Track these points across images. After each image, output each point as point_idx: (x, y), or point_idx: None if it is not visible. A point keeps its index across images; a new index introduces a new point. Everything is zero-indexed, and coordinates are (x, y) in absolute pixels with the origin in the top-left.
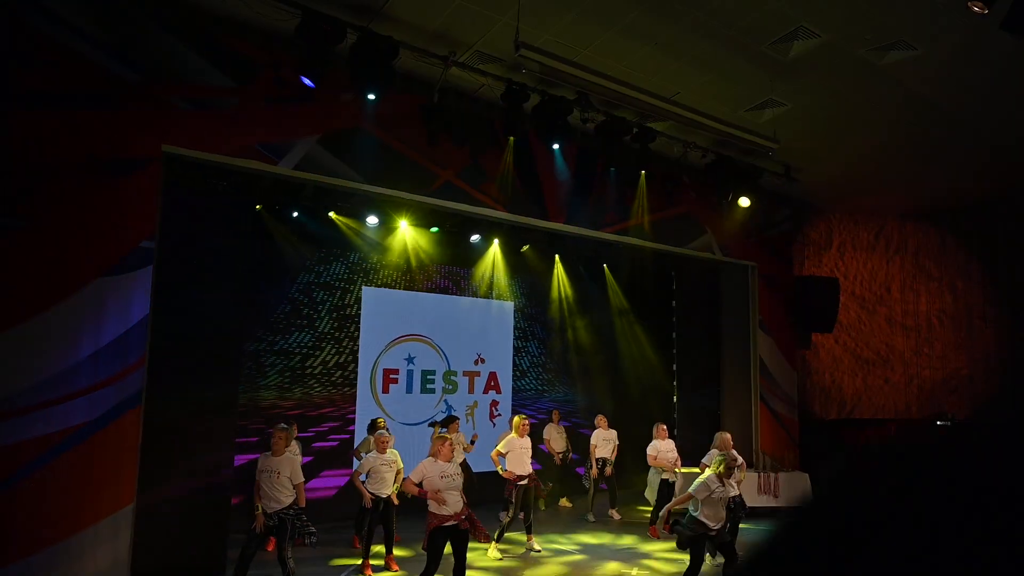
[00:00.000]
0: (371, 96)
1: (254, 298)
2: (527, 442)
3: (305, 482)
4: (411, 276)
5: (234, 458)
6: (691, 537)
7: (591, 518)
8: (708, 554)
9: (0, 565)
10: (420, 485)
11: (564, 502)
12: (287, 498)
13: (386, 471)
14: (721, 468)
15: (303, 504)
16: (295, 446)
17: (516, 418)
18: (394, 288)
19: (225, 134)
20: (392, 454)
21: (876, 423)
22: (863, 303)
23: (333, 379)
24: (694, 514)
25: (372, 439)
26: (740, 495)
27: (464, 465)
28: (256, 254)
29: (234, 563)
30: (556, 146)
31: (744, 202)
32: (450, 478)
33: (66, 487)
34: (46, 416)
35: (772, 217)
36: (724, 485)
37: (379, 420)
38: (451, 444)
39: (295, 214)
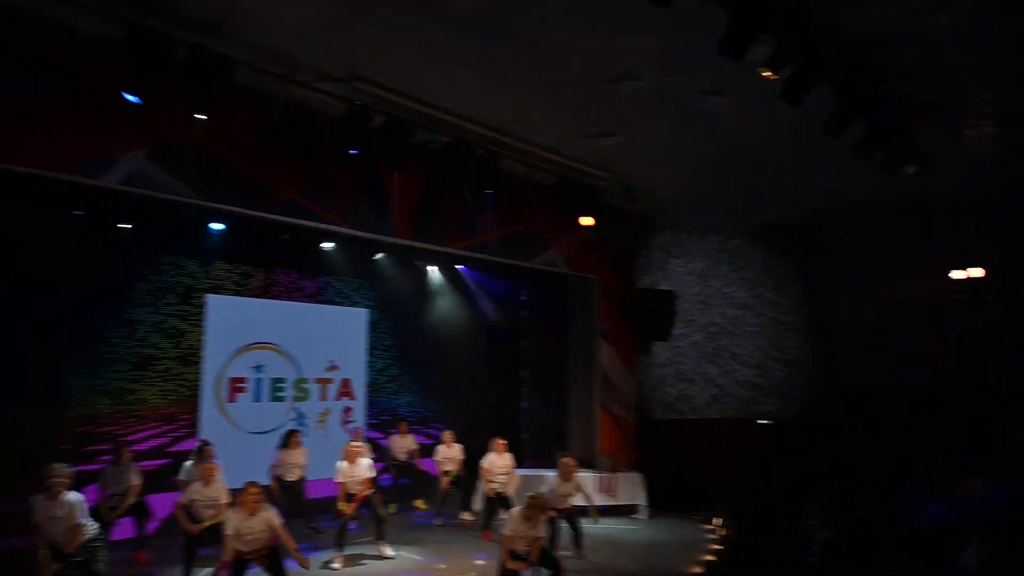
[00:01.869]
0: (202, 113)
1: (88, 309)
2: (360, 468)
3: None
4: (259, 284)
5: None
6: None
7: (438, 521)
8: None
9: None
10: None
11: (420, 503)
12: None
13: (203, 508)
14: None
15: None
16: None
17: (346, 445)
18: (241, 296)
19: (37, 145)
20: (216, 489)
21: (708, 423)
22: (695, 314)
23: (177, 389)
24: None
25: (194, 468)
26: (569, 508)
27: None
28: (88, 265)
29: None
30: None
31: (587, 220)
32: (254, 538)
33: None
34: None
35: (615, 233)
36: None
37: (207, 446)
38: (257, 495)
39: (124, 225)
